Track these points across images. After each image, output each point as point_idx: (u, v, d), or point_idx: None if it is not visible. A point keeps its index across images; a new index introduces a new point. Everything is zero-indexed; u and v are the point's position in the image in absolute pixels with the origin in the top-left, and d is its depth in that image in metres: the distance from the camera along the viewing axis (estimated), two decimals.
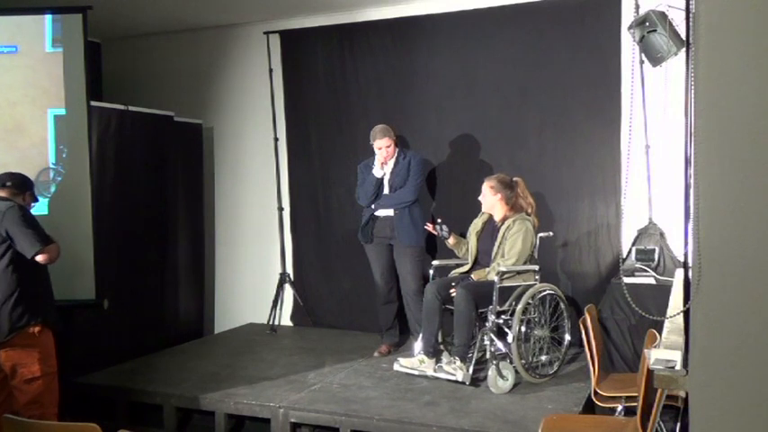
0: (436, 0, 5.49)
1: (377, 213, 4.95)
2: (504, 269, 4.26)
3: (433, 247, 5.32)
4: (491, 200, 4.55)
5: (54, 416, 3.50)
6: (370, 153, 5.01)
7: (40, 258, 3.41)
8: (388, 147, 4.85)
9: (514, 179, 4.61)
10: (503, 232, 4.43)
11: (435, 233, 4.65)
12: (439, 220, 4.63)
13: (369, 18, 5.72)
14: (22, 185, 3.65)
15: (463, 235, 4.75)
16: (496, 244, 4.43)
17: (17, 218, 3.40)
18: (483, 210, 4.64)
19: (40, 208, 4.46)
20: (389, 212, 4.91)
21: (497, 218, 4.57)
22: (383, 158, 4.86)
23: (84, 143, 4.65)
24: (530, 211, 4.57)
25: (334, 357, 4.99)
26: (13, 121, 4.62)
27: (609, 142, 5.03)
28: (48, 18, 4.65)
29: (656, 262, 4.66)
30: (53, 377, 3.53)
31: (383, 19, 5.67)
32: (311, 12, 5.82)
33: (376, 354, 5.00)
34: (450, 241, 4.66)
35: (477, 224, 4.69)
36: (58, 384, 3.59)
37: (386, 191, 4.93)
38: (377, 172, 4.89)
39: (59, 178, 4.63)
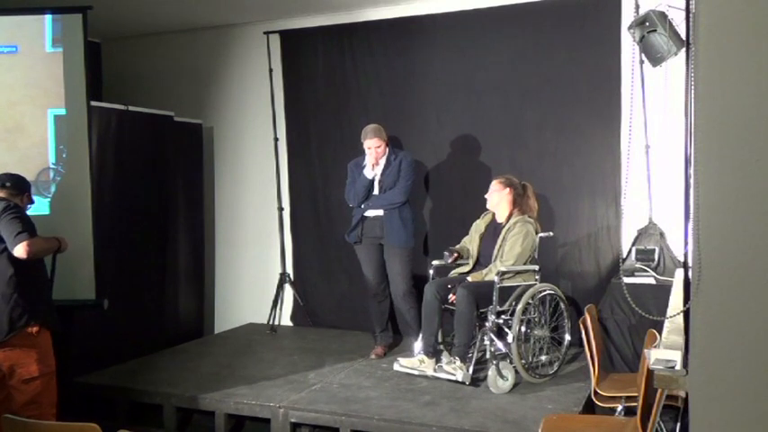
0: (436, 0, 5.49)
1: (366, 213, 4.92)
2: (503, 269, 4.26)
3: (425, 247, 5.36)
4: (499, 195, 4.53)
5: (52, 416, 3.49)
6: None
7: (19, 251, 3.34)
8: (378, 147, 4.81)
9: (523, 182, 4.63)
10: (503, 233, 4.43)
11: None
12: (446, 254, 4.60)
13: (369, 18, 5.72)
14: (20, 186, 3.64)
15: (464, 233, 4.75)
16: (497, 245, 4.43)
17: (8, 215, 3.40)
18: (488, 207, 4.63)
19: (40, 208, 4.47)
20: (379, 212, 4.88)
21: (501, 217, 4.57)
22: (373, 159, 4.83)
23: (84, 143, 4.65)
24: (533, 215, 4.55)
25: (334, 357, 4.99)
26: (13, 121, 4.62)
27: (609, 142, 5.03)
28: (48, 18, 4.65)
29: (656, 262, 4.66)
30: (51, 377, 3.52)
31: (383, 19, 5.67)
32: (311, 12, 5.82)
33: (372, 356, 4.98)
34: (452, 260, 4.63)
35: (479, 225, 4.68)
36: (57, 385, 3.59)
37: (376, 191, 4.90)
38: (368, 173, 4.84)
39: (59, 178, 4.63)
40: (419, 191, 5.47)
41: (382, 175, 4.89)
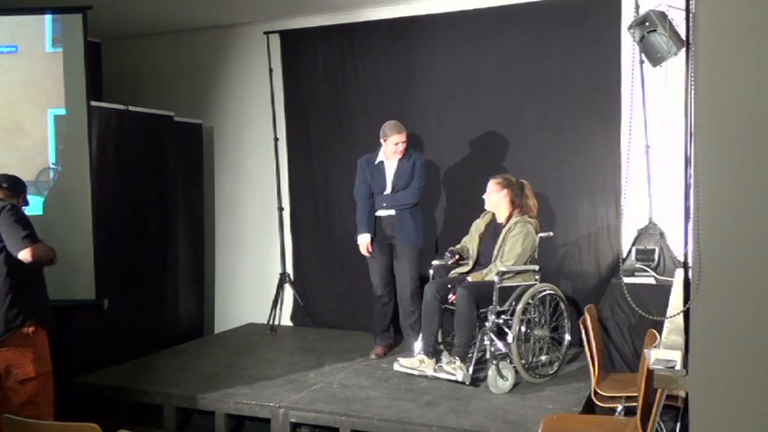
0: (436, 0, 5.49)
1: (378, 213, 4.91)
2: (503, 269, 4.25)
3: (435, 249, 5.33)
4: (496, 196, 4.52)
5: (50, 416, 3.46)
6: (370, 151, 4.99)
7: (24, 255, 3.33)
8: (404, 142, 4.78)
9: (521, 180, 4.61)
10: (503, 234, 4.42)
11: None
12: (447, 254, 4.60)
13: (369, 18, 5.72)
14: (16, 188, 3.62)
15: (464, 233, 4.75)
16: (497, 246, 4.43)
17: (9, 217, 3.39)
18: (486, 208, 4.63)
19: (39, 208, 4.47)
20: (391, 212, 4.87)
21: (501, 218, 4.56)
22: (398, 153, 4.78)
23: (84, 143, 4.65)
24: (532, 214, 4.54)
25: (334, 357, 4.98)
26: (12, 121, 4.62)
27: (609, 142, 5.03)
28: (48, 18, 4.65)
29: (656, 262, 4.66)
30: (47, 377, 3.50)
31: (383, 19, 5.67)
32: (311, 12, 5.82)
33: (372, 356, 4.97)
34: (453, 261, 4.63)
35: (479, 225, 4.67)
36: (54, 384, 3.57)
37: (388, 191, 4.88)
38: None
39: (59, 178, 4.63)
40: (433, 191, 5.44)
41: (395, 175, 4.85)
